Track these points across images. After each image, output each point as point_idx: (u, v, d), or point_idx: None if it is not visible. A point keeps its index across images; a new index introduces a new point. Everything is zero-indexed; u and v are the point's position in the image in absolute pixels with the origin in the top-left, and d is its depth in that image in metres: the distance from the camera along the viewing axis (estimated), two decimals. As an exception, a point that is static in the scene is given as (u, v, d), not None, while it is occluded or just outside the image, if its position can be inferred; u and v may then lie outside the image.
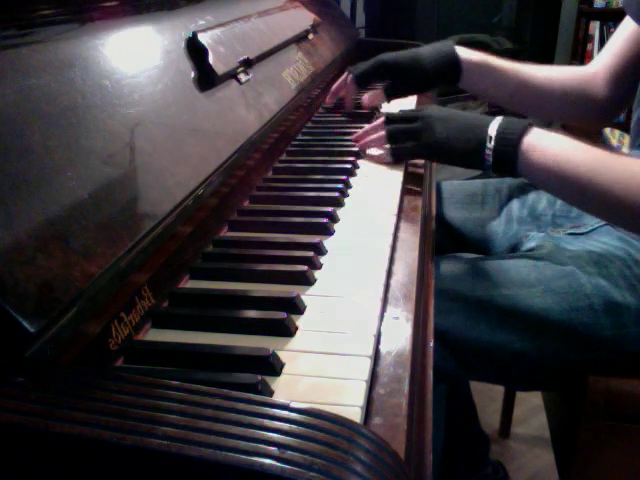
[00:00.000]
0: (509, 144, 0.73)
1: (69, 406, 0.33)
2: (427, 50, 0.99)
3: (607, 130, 2.51)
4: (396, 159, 0.87)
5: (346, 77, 1.07)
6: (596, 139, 2.40)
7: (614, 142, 2.42)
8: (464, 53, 0.97)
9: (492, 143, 0.74)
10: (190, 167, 0.59)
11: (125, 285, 0.47)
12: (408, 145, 0.84)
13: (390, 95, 1.04)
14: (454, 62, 0.96)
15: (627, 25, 0.94)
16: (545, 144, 0.73)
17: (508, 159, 0.74)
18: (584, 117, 1.01)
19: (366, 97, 1.06)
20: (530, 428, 1.47)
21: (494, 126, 0.75)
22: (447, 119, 0.79)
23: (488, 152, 0.75)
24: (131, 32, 0.64)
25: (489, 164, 0.75)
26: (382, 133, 0.87)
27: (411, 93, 1.11)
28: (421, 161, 0.92)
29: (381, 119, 0.88)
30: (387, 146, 0.87)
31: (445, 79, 0.98)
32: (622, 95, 0.94)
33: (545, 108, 1.00)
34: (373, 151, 0.91)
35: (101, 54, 0.56)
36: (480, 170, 0.78)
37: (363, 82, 1.06)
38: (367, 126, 0.92)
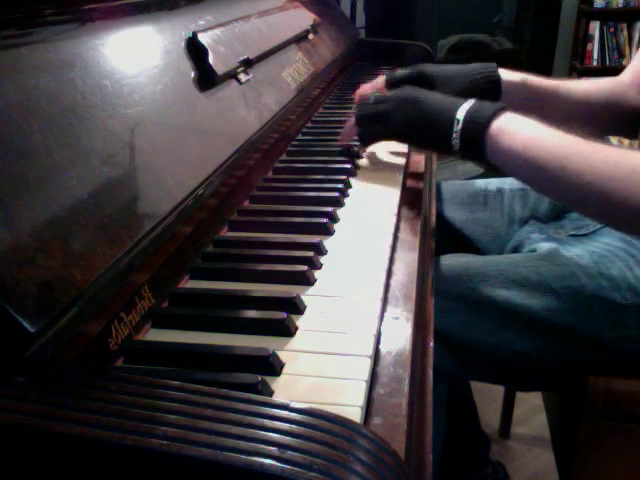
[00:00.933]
0: (476, 127, 0.71)
1: (69, 406, 0.33)
2: (468, 67, 0.97)
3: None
4: (363, 143, 0.86)
5: (377, 79, 1.05)
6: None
7: (613, 141, 2.42)
8: (505, 74, 0.94)
9: (459, 126, 0.72)
10: (190, 167, 0.59)
11: (125, 285, 0.47)
12: (373, 128, 0.82)
13: None
14: (495, 82, 0.93)
15: None
16: (515, 128, 0.69)
17: (475, 143, 0.71)
18: (621, 129, 0.97)
19: None
20: (530, 428, 1.47)
21: (464, 109, 0.72)
22: (417, 100, 0.77)
23: (455, 135, 0.72)
24: (131, 32, 0.64)
25: (456, 148, 0.73)
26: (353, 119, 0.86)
27: None
28: (421, 161, 0.92)
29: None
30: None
31: (483, 97, 0.96)
32: None
33: (589, 122, 0.96)
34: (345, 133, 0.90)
35: (101, 54, 0.56)
36: (448, 155, 0.76)
37: (394, 85, 1.01)
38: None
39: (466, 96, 0.93)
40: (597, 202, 0.64)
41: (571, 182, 0.65)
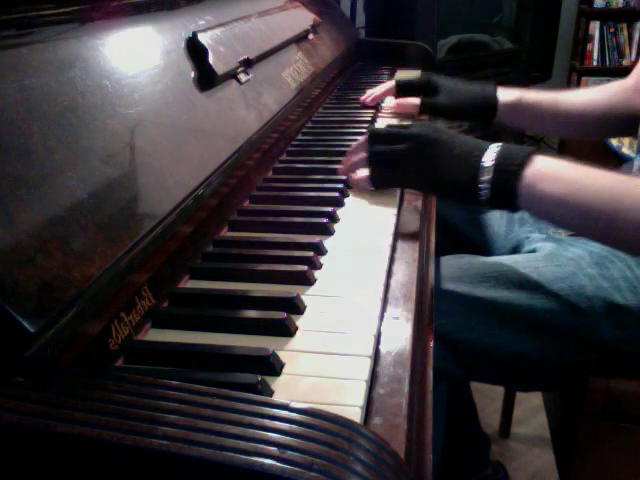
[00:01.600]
0: (509, 175, 0.65)
1: (69, 406, 0.33)
2: (470, 85, 1.02)
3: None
4: (375, 187, 0.77)
5: (389, 82, 1.11)
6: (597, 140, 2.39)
7: (614, 142, 2.42)
8: (502, 94, 0.98)
9: (489, 175, 0.65)
10: (190, 167, 0.59)
11: (125, 285, 0.47)
12: (390, 173, 0.74)
13: (424, 110, 1.05)
14: (491, 102, 0.98)
15: None
16: (554, 172, 0.64)
17: (507, 192, 0.65)
18: (629, 132, 0.98)
19: (401, 101, 1.08)
20: (530, 428, 1.47)
21: (490, 155, 0.66)
22: (437, 143, 0.69)
23: (484, 186, 0.66)
24: (131, 32, 0.64)
25: (485, 199, 0.66)
26: (364, 156, 0.76)
27: (443, 116, 1.08)
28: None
29: (365, 137, 0.77)
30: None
31: (479, 115, 1.00)
32: None
33: (589, 130, 0.99)
34: (356, 177, 0.79)
35: (101, 54, 0.56)
36: (473, 205, 0.70)
37: (403, 90, 1.08)
38: (352, 146, 0.81)
39: (463, 109, 0.98)
40: None
41: (627, 225, 0.61)
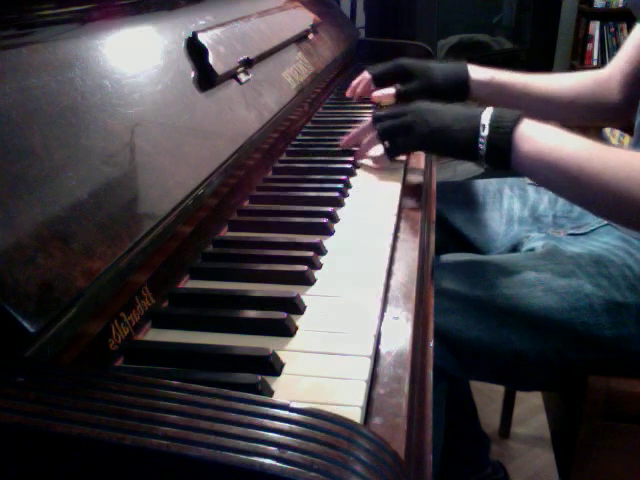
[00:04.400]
0: (503, 132, 0.73)
1: (69, 406, 0.33)
2: (441, 64, 1.04)
3: (607, 130, 2.51)
4: (392, 157, 0.86)
5: (364, 75, 1.11)
6: (596, 138, 2.39)
7: (614, 142, 2.42)
8: (474, 72, 1.01)
9: (485, 131, 0.74)
10: (190, 167, 0.59)
11: (125, 285, 0.47)
12: (402, 140, 0.82)
13: (400, 97, 1.05)
14: (463, 79, 1.01)
15: (638, 30, 0.95)
16: (537, 134, 0.72)
17: (502, 148, 0.73)
18: (598, 120, 1.03)
19: (377, 93, 1.08)
20: (530, 428, 1.47)
21: (487, 115, 0.75)
22: (437, 110, 0.79)
23: (482, 141, 0.74)
24: (131, 32, 0.64)
25: (482, 154, 0.74)
26: (373, 134, 0.84)
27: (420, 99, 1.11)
28: (421, 161, 0.92)
29: (368, 120, 0.86)
30: (381, 149, 0.85)
31: (453, 93, 1.02)
32: (636, 99, 0.94)
33: (559, 115, 1.02)
34: (367, 160, 0.89)
35: (101, 54, 0.56)
36: (473, 161, 0.77)
37: (379, 80, 1.09)
38: (354, 130, 0.90)
39: (437, 91, 1.00)
40: (614, 202, 0.68)
41: (589, 183, 0.68)
